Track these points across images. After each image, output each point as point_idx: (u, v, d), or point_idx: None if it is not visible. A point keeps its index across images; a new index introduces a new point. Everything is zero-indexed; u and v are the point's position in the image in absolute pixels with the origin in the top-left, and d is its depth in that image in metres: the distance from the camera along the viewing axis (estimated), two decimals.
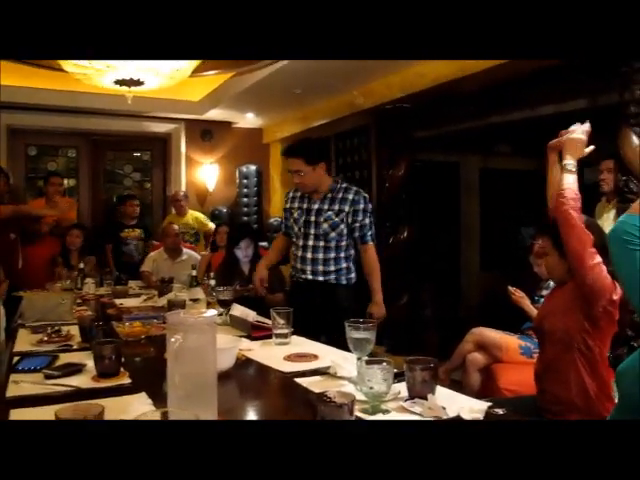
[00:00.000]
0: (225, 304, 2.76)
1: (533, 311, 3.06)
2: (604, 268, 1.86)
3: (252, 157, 7.52)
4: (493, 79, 4.27)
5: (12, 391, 1.64)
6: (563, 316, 2.01)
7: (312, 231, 3.05)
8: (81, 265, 4.13)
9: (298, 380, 1.79)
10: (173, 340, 1.33)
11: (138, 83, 3.84)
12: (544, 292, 3.17)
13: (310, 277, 3.06)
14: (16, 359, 1.98)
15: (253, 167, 7.41)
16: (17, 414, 1.45)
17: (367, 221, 3.02)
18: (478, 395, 2.89)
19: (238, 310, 2.64)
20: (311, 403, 1.30)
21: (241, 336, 2.33)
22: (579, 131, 2.03)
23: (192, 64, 3.87)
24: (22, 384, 1.68)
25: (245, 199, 7.40)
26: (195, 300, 3.20)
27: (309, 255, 3.05)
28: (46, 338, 2.30)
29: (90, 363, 1.82)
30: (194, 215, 6.25)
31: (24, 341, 2.34)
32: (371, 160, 5.99)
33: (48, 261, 4.67)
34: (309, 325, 2.52)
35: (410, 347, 4.35)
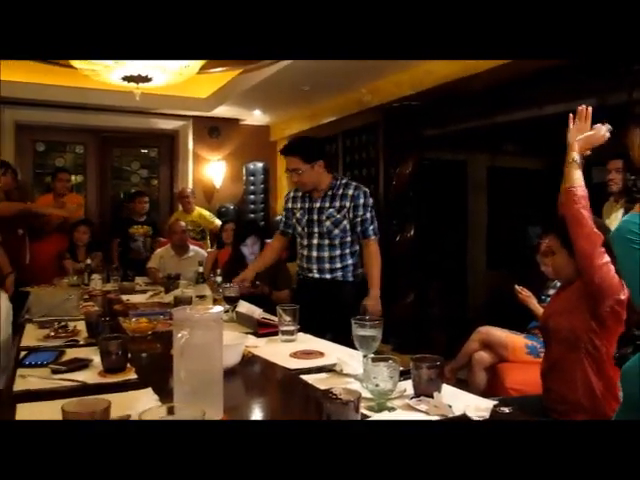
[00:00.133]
0: (231, 301, 2.76)
1: (539, 310, 3.05)
2: (612, 268, 1.85)
3: (259, 154, 7.52)
4: (501, 78, 4.25)
5: (19, 385, 1.66)
6: (569, 315, 2.00)
7: (316, 230, 3.05)
8: (88, 261, 4.15)
9: (304, 377, 1.79)
10: (179, 336, 1.33)
11: (146, 79, 3.86)
12: (551, 291, 3.15)
13: (317, 276, 3.06)
14: (23, 354, 1.99)
15: (260, 164, 7.41)
16: (24, 408, 1.46)
17: (368, 215, 3.01)
18: (484, 394, 2.85)
19: (244, 307, 2.64)
20: (317, 400, 1.30)
21: (247, 333, 2.34)
22: (604, 129, 2.01)
23: (200, 61, 3.88)
24: (29, 378, 1.69)
25: (252, 196, 7.41)
26: (201, 297, 3.20)
27: (314, 254, 3.05)
28: (53, 333, 2.30)
29: (96, 358, 1.83)
30: (200, 212, 6.27)
31: (31, 336, 2.35)
32: (379, 158, 5.97)
33: (55, 257, 4.70)
34: (315, 322, 2.52)
35: (416, 345, 4.35)
